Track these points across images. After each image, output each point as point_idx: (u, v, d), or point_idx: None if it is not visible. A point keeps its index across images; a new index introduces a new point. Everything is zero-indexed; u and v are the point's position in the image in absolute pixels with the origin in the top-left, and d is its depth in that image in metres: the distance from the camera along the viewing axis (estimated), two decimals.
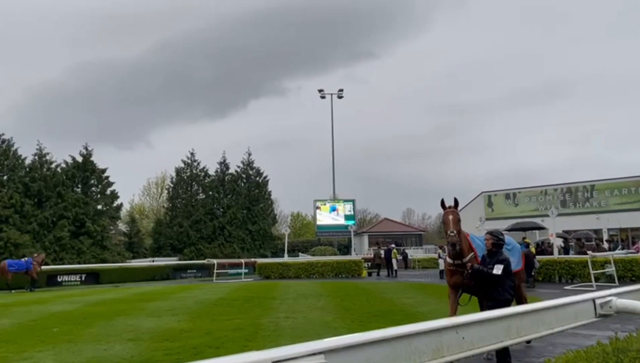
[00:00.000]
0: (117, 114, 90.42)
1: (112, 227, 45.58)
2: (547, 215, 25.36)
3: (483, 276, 6.35)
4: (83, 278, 29.40)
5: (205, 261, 34.94)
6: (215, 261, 31.72)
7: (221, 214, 50.05)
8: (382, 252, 31.40)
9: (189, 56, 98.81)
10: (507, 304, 5.91)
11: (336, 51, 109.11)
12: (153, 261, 39.67)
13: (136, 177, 75.10)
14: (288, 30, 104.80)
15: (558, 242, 27.03)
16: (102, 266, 32.79)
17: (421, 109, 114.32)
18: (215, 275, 29.88)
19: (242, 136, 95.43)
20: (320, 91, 52.76)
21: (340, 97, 52.97)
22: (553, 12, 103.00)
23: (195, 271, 34.84)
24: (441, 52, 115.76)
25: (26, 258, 26.04)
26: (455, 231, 6.68)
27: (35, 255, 27.17)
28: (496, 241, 6.52)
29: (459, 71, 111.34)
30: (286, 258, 32.50)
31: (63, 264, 35.25)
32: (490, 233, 6.63)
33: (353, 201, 52.34)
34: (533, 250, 21.40)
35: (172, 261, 39.71)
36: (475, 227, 37.14)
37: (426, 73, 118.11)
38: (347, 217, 50.16)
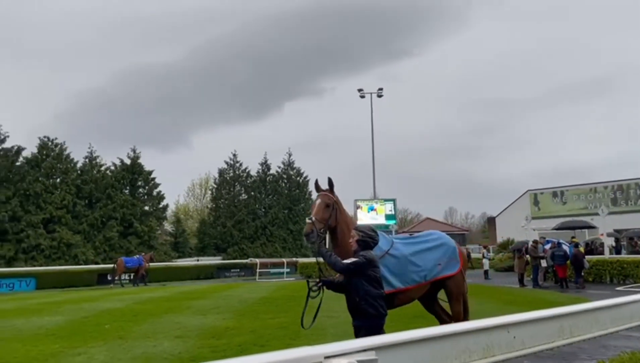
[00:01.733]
0: (159, 118, 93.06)
1: (158, 227, 46.90)
2: (597, 214, 24.46)
3: (334, 268, 4.90)
4: (131, 277, 30.38)
5: (248, 261, 35.47)
6: (257, 260, 32.15)
7: (263, 214, 50.68)
8: None
9: (226, 59, 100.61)
10: (366, 318, 4.69)
11: (372, 50, 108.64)
12: (198, 260, 40.59)
13: (178, 179, 76.97)
14: (323, 30, 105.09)
15: (609, 241, 26.00)
16: (150, 265, 33.75)
17: (460, 106, 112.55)
18: (257, 274, 30.29)
19: (280, 136, 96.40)
20: (359, 90, 52.45)
21: (380, 96, 52.53)
22: (596, 3, 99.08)
23: (238, 270, 35.45)
24: (479, 48, 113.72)
25: (138, 256, 29.69)
26: (315, 219, 5.25)
27: (144, 254, 30.88)
28: (362, 239, 4.94)
29: (498, 66, 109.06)
30: None
31: (112, 263, 36.54)
32: (356, 228, 5.13)
33: (394, 200, 51.80)
34: (582, 249, 20.68)
35: (216, 260, 40.50)
36: (521, 226, 36.20)
37: (464, 70, 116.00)
38: (387, 217, 49.71)
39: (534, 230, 33.85)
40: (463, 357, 2.48)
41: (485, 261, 26.33)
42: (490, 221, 56.55)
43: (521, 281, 20.56)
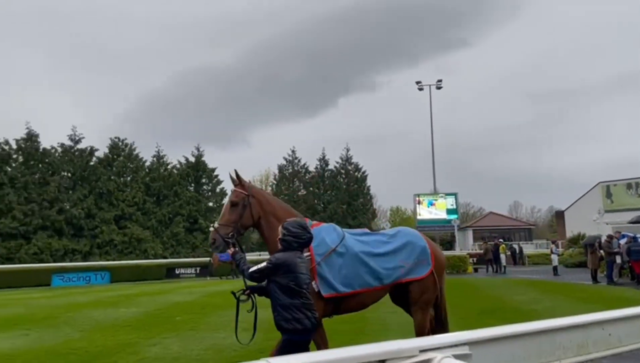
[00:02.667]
0: (218, 116, 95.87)
1: None
2: None
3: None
4: (198, 271, 31.51)
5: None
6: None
7: (322, 210, 51.01)
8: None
9: (281, 57, 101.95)
10: (284, 333, 4.02)
11: (426, 42, 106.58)
12: (260, 255, 41.46)
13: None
14: (375, 24, 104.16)
15: None
16: None
17: (520, 96, 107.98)
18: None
19: (335, 132, 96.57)
20: (417, 82, 51.73)
21: (439, 88, 51.55)
22: None
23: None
24: (538, 35, 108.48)
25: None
26: (218, 224, 4.74)
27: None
28: (285, 236, 4.12)
29: (558, 54, 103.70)
30: None
31: (179, 258, 38.10)
32: (283, 225, 4.23)
33: (455, 194, 50.66)
34: None
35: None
36: (593, 220, 34.40)
37: (523, 59, 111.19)
38: (449, 211, 48.68)
39: (607, 223, 32.03)
40: (557, 354, 2.41)
41: (554, 257, 25.21)
42: (559, 215, 54.11)
43: (594, 278, 19.56)
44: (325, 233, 4.94)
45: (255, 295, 4.41)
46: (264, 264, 4.04)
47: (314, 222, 5.16)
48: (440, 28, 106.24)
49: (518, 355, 2.23)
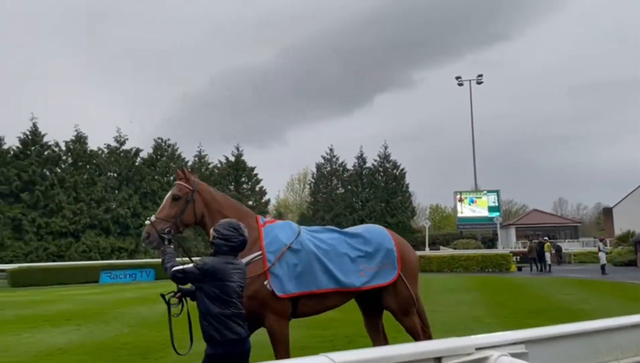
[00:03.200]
0: (255, 116, 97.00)
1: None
2: None
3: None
4: None
5: None
6: None
7: (360, 208, 50.90)
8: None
9: (316, 56, 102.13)
10: (211, 345, 3.64)
11: (462, 37, 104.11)
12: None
13: (273, 174, 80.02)
14: (411, 21, 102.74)
15: None
16: None
17: (563, 90, 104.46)
18: None
19: (372, 129, 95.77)
20: (457, 78, 50.97)
21: (479, 83, 50.63)
22: None
23: None
24: (579, 28, 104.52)
25: None
26: (155, 218, 4.44)
27: None
28: (215, 239, 3.79)
29: (601, 47, 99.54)
30: (427, 251, 32.00)
31: None
32: (214, 226, 3.88)
33: (497, 191, 49.59)
34: None
35: None
36: None
37: (564, 52, 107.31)
38: (491, 208, 47.70)
39: None
40: (615, 354, 2.34)
41: (602, 255, 24.32)
42: (607, 212, 52.10)
43: None
44: (279, 230, 4.64)
45: (188, 298, 3.97)
46: (190, 266, 3.68)
47: (267, 219, 4.90)
48: (478, 23, 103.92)
49: (574, 355, 2.18)
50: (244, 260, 4.12)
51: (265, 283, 4.28)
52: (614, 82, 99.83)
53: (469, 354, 1.81)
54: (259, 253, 4.38)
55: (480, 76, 50.47)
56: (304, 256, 4.52)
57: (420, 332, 5.14)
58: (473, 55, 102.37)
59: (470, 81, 50.52)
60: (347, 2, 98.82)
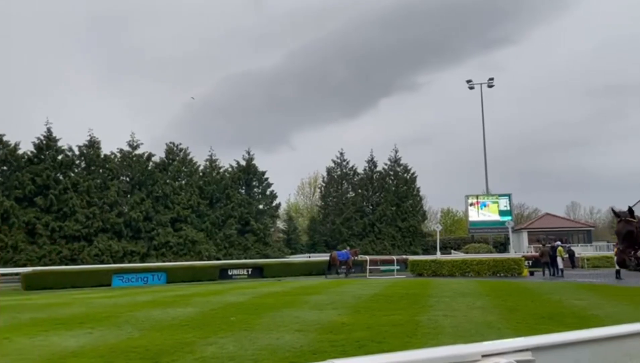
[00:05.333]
0: (262, 120, 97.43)
1: (272, 225, 49.06)
2: None
3: None
4: (249, 272, 32.09)
5: (357, 258, 35.83)
6: (367, 257, 32.38)
7: (371, 212, 50.84)
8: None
9: (322, 60, 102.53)
10: None
11: (468, 41, 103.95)
12: (309, 257, 41.78)
13: (281, 177, 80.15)
14: (417, 25, 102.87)
15: None
16: (266, 261, 35.51)
17: (574, 93, 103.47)
18: (368, 271, 30.46)
19: (378, 133, 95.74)
20: (468, 81, 50.74)
21: (490, 86, 50.37)
22: None
23: (343, 267, 35.93)
24: (589, 29, 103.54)
25: (346, 250, 33.90)
26: None
27: (348, 248, 35.41)
28: None
29: (613, 48, 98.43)
30: (439, 256, 31.86)
31: (232, 259, 38.96)
32: None
33: (509, 195, 49.25)
34: None
35: (327, 257, 41.38)
36: None
37: (574, 54, 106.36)
38: (502, 212, 47.36)
39: None
40: (624, 360, 2.33)
41: None
42: None
43: None
44: None
45: None
46: None
47: None
48: (483, 26, 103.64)
49: (583, 362, 2.17)
50: None
51: None
52: (626, 85, 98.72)
53: (475, 361, 1.82)
54: None
55: (492, 79, 50.27)
56: None
57: None
58: (478, 59, 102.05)
59: (481, 84, 50.29)
60: (353, 6, 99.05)
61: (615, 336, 2.32)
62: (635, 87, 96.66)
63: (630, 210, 5.97)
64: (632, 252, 5.81)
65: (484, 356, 1.84)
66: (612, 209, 6.90)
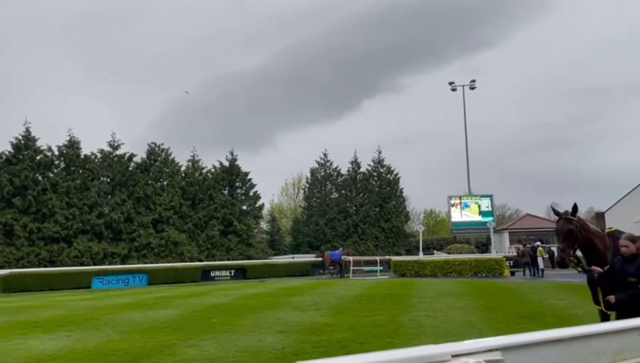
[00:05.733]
0: (245, 121, 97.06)
1: (255, 226, 48.87)
2: None
3: None
4: (232, 274, 31.92)
5: (317, 258, 36.09)
6: (350, 258, 32.42)
7: (354, 213, 50.96)
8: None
9: (305, 61, 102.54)
10: None
11: (449, 44, 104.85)
12: (293, 257, 41.71)
13: (263, 178, 79.72)
14: (399, 27, 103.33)
15: None
16: (249, 263, 35.34)
17: (553, 96, 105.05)
18: (351, 272, 30.51)
19: (361, 134, 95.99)
20: (450, 83, 51.21)
21: (472, 88, 50.91)
22: None
23: (331, 268, 35.93)
24: (569, 33, 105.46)
25: (339, 251, 34.17)
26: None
27: (341, 249, 35.90)
28: None
29: (589, 52, 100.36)
30: (421, 256, 32.04)
31: (214, 260, 38.70)
32: None
33: (491, 196, 49.76)
34: None
35: (310, 258, 41.37)
36: (635, 221, 33.20)
37: (551, 58, 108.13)
38: (484, 213, 47.84)
39: None
40: (592, 360, 2.36)
41: None
42: (599, 217, 52.22)
43: None
44: None
45: None
46: None
47: None
48: (464, 30, 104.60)
49: (551, 361, 2.20)
50: None
51: None
52: (605, 87, 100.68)
53: (445, 361, 1.83)
54: None
55: (473, 81, 50.81)
56: None
57: None
58: (460, 61, 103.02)
59: (463, 86, 50.79)
60: (336, 8, 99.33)
61: (581, 336, 2.36)
62: (614, 89, 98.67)
63: (574, 208, 5.85)
64: (572, 252, 5.68)
65: (454, 356, 1.85)
66: (552, 208, 6.77)
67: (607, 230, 6.31)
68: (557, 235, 5.87)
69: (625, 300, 4.96)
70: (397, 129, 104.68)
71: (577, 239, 5.72)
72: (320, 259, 35.39)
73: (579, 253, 5.89)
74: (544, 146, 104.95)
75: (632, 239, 5.41)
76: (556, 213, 6.15)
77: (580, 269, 6.03)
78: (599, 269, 5.67)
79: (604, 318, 5.66)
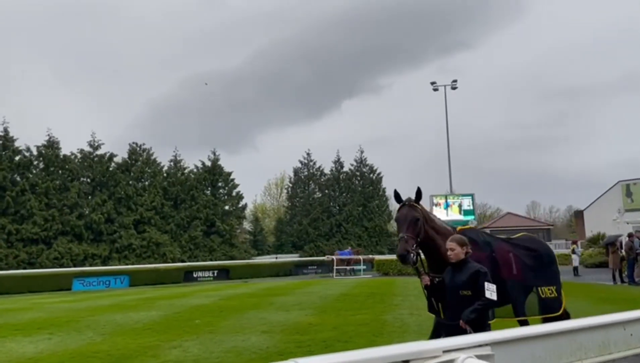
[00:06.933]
0: (224, 120, 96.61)
1: (238, 226, 48.65)
2: None
3: None
4: (215, 274, 31.72)
5: (325, 258, 35.92)
6: (334, 257, 32.45)
7: (337, 212, 51.08)
8: None
9: (285, 61, 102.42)
10: None
11: (428, 44, 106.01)
12: (276, 258, 41.64)
13: (244, 179, 79.32)
14: (378, 28, 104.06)
15: None
16: (232, 263, 35.16)
17: (528, 97, 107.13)
18: (335, 271, 30.56)
19: (341, 134, 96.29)
20: (432, 83, 51.52)
21: (454, 88, 51.34)
22: None
23: (315, 267, 35.96)
24: (543, 35, 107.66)
25: (348, 249, 34.51)
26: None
27: (350, 248, 36.17)
28: None
29: (565, 54, 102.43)
30: None
31: (197, 261, 38.44)
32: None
33: (472, 195, 50.15)
34: None
35: (294, 258, 41.35)
36: (613, 219, 33.89)
37: (528, 59, 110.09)
38: (465, 212, 48.26)
39: (628, 222, 31.57)
40: (578, 354, 2.43)
41: (575, 257, 24.88)
42: (578, 215, 53.36)
43: (615, 278, 19.28)
44: None
45: None
46: None
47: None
48: (442, 31, 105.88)
49: (539, 356, 2.26)
50: None
51: None
52: (582, 87, 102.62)
53: (436, 357, 1.86)
54: None
55: (455, 81, 51.14)
56: None
57: None
58: (438, 62, 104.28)
59: (445, 86, 51.19)
60: (315, 8, 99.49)
61: (567, 330, 2.43)
62: (591, 89, 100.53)
63: (418, 193, 5.04)
64: (414, 245, 4.64)
65: (445, 351, 1.89)
66: (395, 192, 5.18)
67: (459, 228, 5.35)
68: (398, 222, 4.92)
69: (475, 320, 4.14)
70: (378, 129, 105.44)
71: (421, 232, 4.79)
72: (324, 259, 35.24)
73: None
74: (524, 145, 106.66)
75: (460, 242, 4.48)
76: (398, 198, 5.10)
77: (415, 269, 4.85)
78: (427, 278, 4.78)
79: (439, 329, 4.89)
